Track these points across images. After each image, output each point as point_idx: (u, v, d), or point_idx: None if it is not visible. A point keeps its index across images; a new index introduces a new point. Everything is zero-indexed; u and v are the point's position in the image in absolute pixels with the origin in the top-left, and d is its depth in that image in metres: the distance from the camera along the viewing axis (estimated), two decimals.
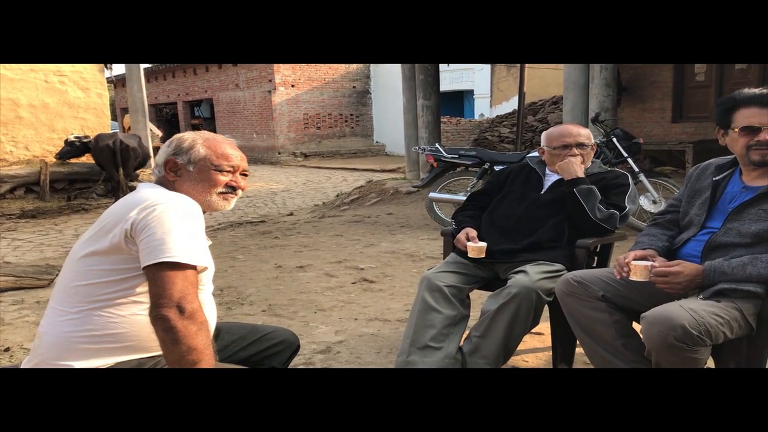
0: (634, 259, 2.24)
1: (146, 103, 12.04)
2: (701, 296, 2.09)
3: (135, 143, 10.47)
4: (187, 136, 1.91)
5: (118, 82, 25.83)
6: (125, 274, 1.68)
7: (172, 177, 1.87)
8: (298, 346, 2.23)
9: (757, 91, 2.18)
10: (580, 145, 2.93)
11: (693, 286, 2.14)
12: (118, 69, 21.36)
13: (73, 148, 10.68)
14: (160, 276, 1.60)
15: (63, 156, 10.74)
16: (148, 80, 25.52)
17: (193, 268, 1.66)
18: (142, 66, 12.62)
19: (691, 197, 2.40)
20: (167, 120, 26.85)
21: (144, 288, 1.67)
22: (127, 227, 1.65)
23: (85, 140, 10.69)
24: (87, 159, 10.86)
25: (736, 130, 2.18)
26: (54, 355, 1.67)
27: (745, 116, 2.17)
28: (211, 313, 1.87)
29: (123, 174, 10.17)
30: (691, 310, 1.97)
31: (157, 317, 1.58)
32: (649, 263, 2.20)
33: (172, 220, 1.65)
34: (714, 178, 2.33)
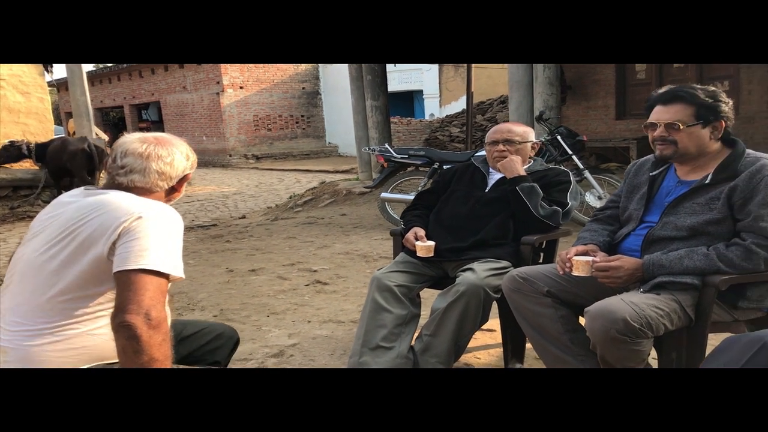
0: (576, 255, 2.30)
1: (90, 107, 11.73)
2: (641, 289, 2.15)
3: (102, 146, 10.21)
4: (181, 146, 1.90)
5: (61, 86, 25.11)
6: (105, 285, 1.66)
7: (164, 187, 1.86)
8: (238, 340, 2.23)
9: (662, 90, 2.30)
10: (507, 141, 2.99)
11: (633, 279, 2.20)
12: (60, 72, 20.83)
13: (5, 153, 10.31)
14: (133, 281, 1.56)
15: None
16: (92, 84, 24.94)
17: (166, 277, 1.63)
18: (85, 69, 12.29)
19: (630, 192, 2.47)
20: (114, 124, 26.25)
21: None
22: (114, 238, 1.62)
23: (17, 144, 10.32)
24: (30, 165, 10.52)
25: (643, 126, 2.32)
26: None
27: (652, 114, 2.29)
28: None
29: (90, 179, 9.87)
30: (632, 304, 2.03)
31: (122, 324, 1.51)
32: (590, 258, 2.25)
33: (158, 229, 1.64)
34: (651, 174, 2.40)
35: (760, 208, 2.08)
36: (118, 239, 1.61)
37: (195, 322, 2.20)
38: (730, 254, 2.09)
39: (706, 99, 2.20)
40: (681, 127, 2.20)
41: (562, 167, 3.20)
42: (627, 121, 10.18)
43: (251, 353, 3.33)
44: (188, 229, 7.99)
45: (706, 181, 2.20)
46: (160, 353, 1.54)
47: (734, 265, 2.09)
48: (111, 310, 1.61)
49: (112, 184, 1.82)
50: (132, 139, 1.86)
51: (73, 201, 1.77)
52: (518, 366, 2.92)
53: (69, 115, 21.10)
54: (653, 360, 2.33)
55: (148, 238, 1.61)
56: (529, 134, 3.08)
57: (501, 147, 2.98)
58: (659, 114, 2.25)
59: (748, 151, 2.23)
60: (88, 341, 1.66)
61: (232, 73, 20.16)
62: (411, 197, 6.37)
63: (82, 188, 1.83)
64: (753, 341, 1.27)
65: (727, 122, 2.22)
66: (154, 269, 1.58)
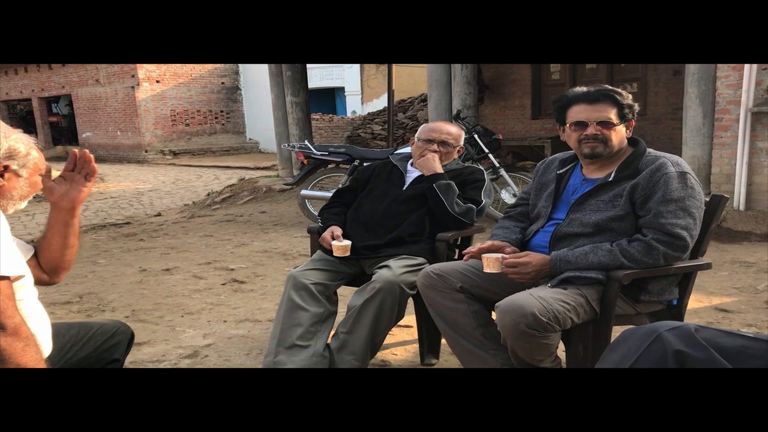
0: (486, 252, 2.34)
1: None
2: (549, 284, 2.21)
3: None
4: (21, 140, 1.75)
5: None
6: None
7: None
8: (133, 335, 2.16)
9: (584, 89, 2.35)
10: (443, 143, 3.03)
11: (542, 275, 2.26)
12: None
13: None
14: None
15: None
16: None
17: (6, 278, 1.49)
18: None
19: (539, 190, 2.54)
20: (22, 117, 24.96)
21: None
22: None
23: None
24: None
25: (569, 125, 2.35)
26: None
27: (575, 112, 2.33)
28: (42, 324, 1.73)
29: None
30: (540, 298, 2.08)
31: None
32: (500, 255, 2.30)
33: None
34: (558, 172, 2.47)
35: (660, 205, 2.17)
36: None
37: (87, 323, 2.10)
38: (632, 249, 2.17)
39: (626, 99, 2.29)
40: (615, 126, 2.27)
41: (478, 165, 3.26)
42: (542, 121, 10.49)
43: (164, 354, 3.24)
44: (100, 227, 7.71)
45: (610, 179, 2.29)
46: (27, 359, 1.45)
47: (636, 260, 2.17)
48: None
49: None
50: None
51: None
52: (434, 361, 2.96)
53: None
54: (562, 353, 2.40)
55: None
56: (461, 137, 3.14)
57: (435, 147, 3.02)
58: (588, 113, 2.29)
59: (649, 150, 2.33)
60: None
61: (147, 66, 19.52)
62: (331, 194, 6.35)
63: None
64: (648, 333, 1.33)
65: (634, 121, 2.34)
66: None
